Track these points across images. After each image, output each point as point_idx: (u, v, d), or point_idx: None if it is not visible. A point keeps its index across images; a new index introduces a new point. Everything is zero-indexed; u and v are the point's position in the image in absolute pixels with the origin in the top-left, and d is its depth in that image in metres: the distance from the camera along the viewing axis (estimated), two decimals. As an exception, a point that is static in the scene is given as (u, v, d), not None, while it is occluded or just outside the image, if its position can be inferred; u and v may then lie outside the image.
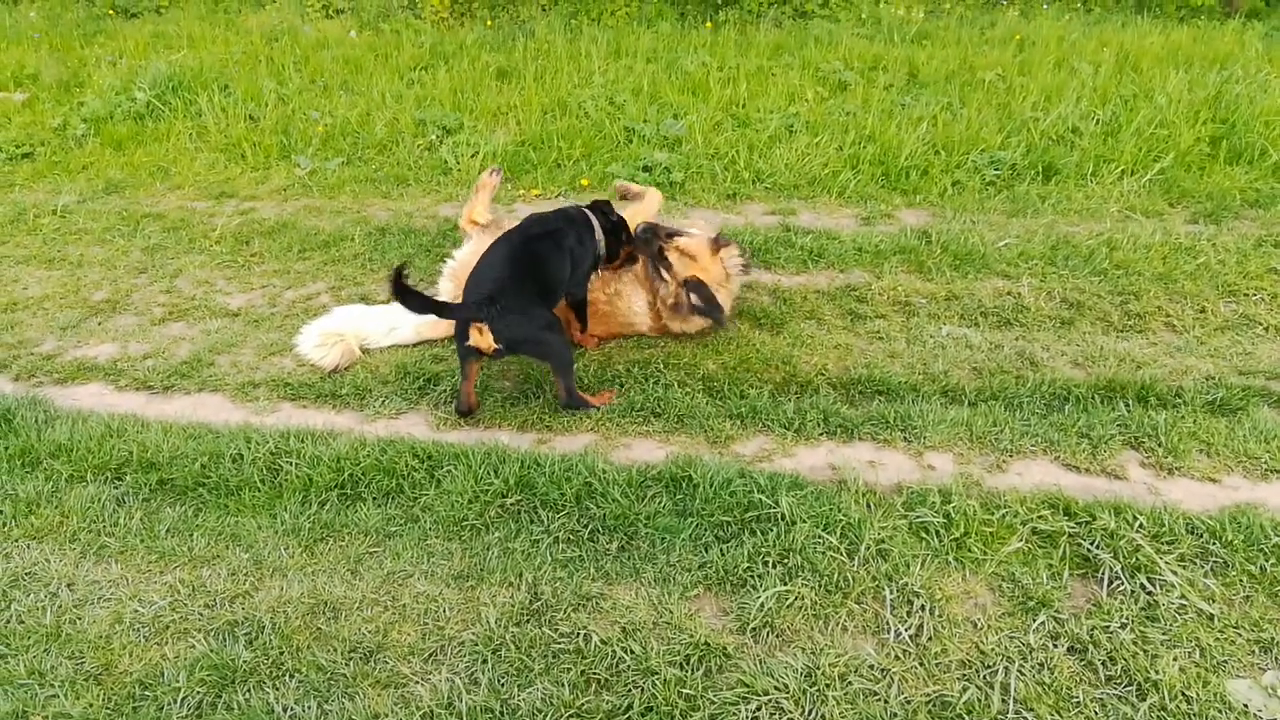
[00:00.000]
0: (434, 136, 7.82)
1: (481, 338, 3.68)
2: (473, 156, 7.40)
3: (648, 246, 4.53)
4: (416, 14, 12.19)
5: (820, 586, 2.96)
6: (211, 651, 2.80)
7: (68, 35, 12.02)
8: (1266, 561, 2.98)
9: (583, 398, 4.05)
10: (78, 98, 9.39)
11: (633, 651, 2.75)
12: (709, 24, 11.08)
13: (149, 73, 9.33)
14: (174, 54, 10.42)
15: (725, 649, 2.76)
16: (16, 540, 3.37)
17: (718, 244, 4.59)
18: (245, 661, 2.77)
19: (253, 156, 7.84)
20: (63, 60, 10.77)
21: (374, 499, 3.53)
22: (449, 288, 4.69)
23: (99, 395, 4.47)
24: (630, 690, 2.64)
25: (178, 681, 2.71)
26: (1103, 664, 2.66)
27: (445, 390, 4.30)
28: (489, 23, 11.53)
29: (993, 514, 3.21)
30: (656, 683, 2.63)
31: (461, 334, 3.79)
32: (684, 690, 2.62)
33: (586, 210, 4.42)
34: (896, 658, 2.72)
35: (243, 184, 7.37)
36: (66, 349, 4.91)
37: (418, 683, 2.70)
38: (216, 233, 6.33)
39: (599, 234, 4.36)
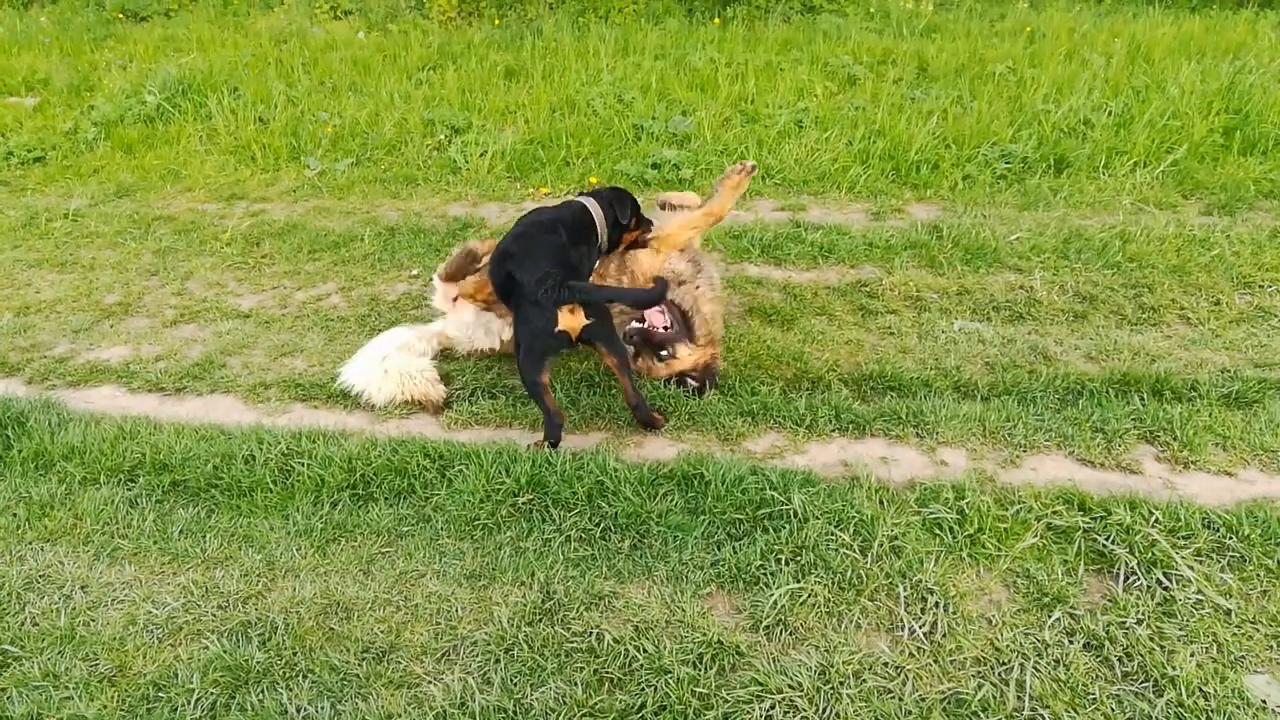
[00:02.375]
0: (442, 136, 7.83)
1: (573, 318, 3.53)
2: (481, 155, 7.40)
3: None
4: (424, 14, 12.20)
5: (833, 584, 2.95)
6: (225, 652, 2.81)
7: (78, 40, 12.09)
8: (1285, 556, 2.95)
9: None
10: (88, 101, 9.45)
11: (645, 650, 2.74)
12: (717, 20, 11.05)
13: (159, 76, 9.39)
14: (184, 57, 10.48)
15: (738, 647, 2.74)
16: (31, 543, 3.38)
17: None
18: (258, 662, 2.77)
19: (262, 158, 7.86)
20: (73, 65, 10.84)
21: (386, 499, 3.53)
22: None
23: (112, 397, 4.48)
24: (643, 689, 2.63)
25: (191, 683, 2.71)
26: (1119, 660, 2.64)
27: (456, 389, 4.30)
28: (496, 22, 11.53)
29: (1007, 510, 3.19)
30: (670, 682, 2.62)
31: (543, 329, 3.55)
32: (697, 689, 2.60)
33: (585, 202, 4.15)
34: (911, 655, 2.70)
35: (253, 186, 7.40)
36: (79, 352, 4.93)
37: (430, 682, 2.69)
38: (227, 234, 6.35)
39: (600, 227, 4.10)
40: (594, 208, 4.12)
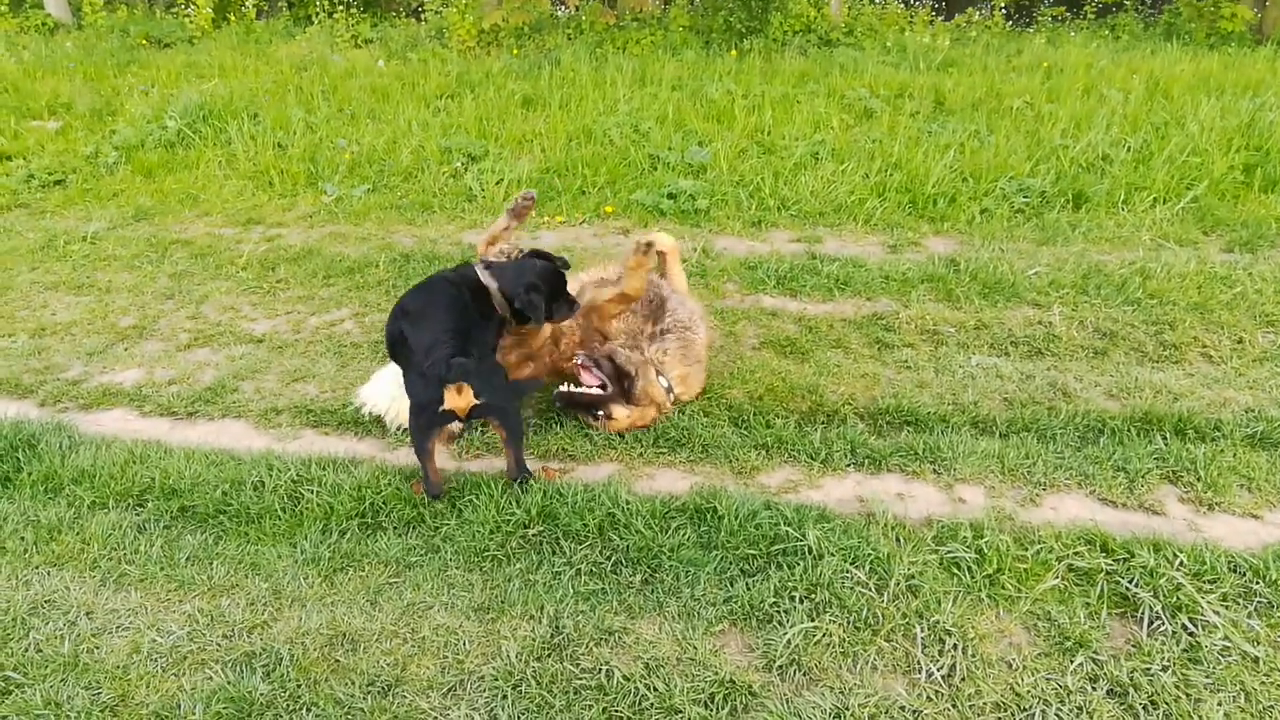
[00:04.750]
0: (459, 164, 7.86)
1: (460, 398, 3.35)
2: (497, 183, 7.42)
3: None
4: (443, 43, 12.33)
5: (849, 623, 2.88)
6: (229, 683, 2.76)
7: (102, 65, 12.26)
8: (1314, 602, 2.87)
9: (528, 466, 3.68)
10: (110, 126, 9.55)
11: (656, 689, 2.68)
12: (734, 52, 11.11)
13: (180, 102, 9.49)
14: (205, 83, 10.60)
15: (751, 687, 2.68)
16: (37, 567, 3.35)
17: None
18: (262, 694, 2.72)
19: (280, 184, 7.91)
20: (96, 89, 10.98)
21: (395, 528, 3.48)
22: None
23: (124, 421, 4.47)
24: (653, 729, 2.57)
25: (194, 714, 2.66)
26: (1144, 708, 2.56)
27: (468, 418, 4.27)
28: (515, 52, 11.63)
29: (1027, 550, 3.12)
30: (680, 722, 2.56)
31: (429, 403, 3.42)
32: (709, 730, 2.54)
33: (475, 270, 3.93)
34: (928, 699, 2.63)
35: (270, 211, 7.43)
36: (93, 374, 4.93)
37: (436, 718, 2.64)
38: (243, 259, 6.37)
39: (496, 297, 3.88)
40: (485, 276, 3.91)
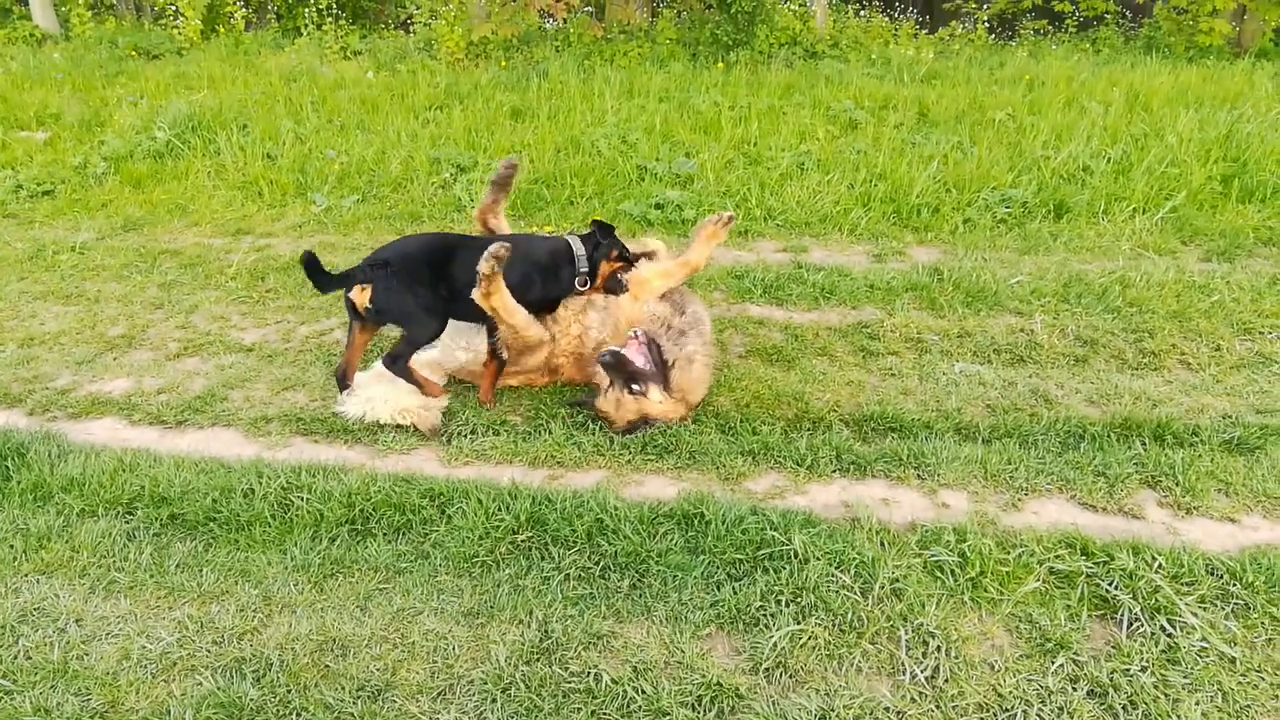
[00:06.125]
0: (448, 174, 7.90)
1: (361, 295, 4.09)
2: (486, 194, 7.46)
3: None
4: (432, 55, 12.37)
5: (834, 626, 2.92)
6: (219, 689, 2.77)
7: (90, 76, 12.26)
8: (1289, 603, 2.93)
9: (408, 368, 4.22)
10: (99, 137, 9.55)
11: (644, 691, 2.71)
12: (720, 64, 11.20)
13: (169, 112, 9.50)
14: (194, 94, 10.62)
15: (738, 689, 2.71)
16: (26, 575, 3.36)
17: None
18: (252, 700, 2.74)
19: (269, 194, 7.93)
20: (85, 100, 10.98)
21: (384, 535, 3.50)
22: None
23: (113, 430, 4.48)
24: (641, 731, 2.59)
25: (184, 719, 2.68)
26: (1123, 708, 2.61)
27: (459, 425, 4.29)
28: (503, 64, 11.69)
29: (1009, 553, 3.17)
30: (668, 724, 2.59)
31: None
32: (696, 732, 2.57)
33: (571, 240, 4.53)
34: (912, 700, 2.67)
35: (259, 221, 7.45)
36: (82, 384, 4.93)
37: (426, 722, 2.66)
38: (232, 269, 6.38)
39: (580, 265, 4.46)
40: (574, 242, 4.51)
